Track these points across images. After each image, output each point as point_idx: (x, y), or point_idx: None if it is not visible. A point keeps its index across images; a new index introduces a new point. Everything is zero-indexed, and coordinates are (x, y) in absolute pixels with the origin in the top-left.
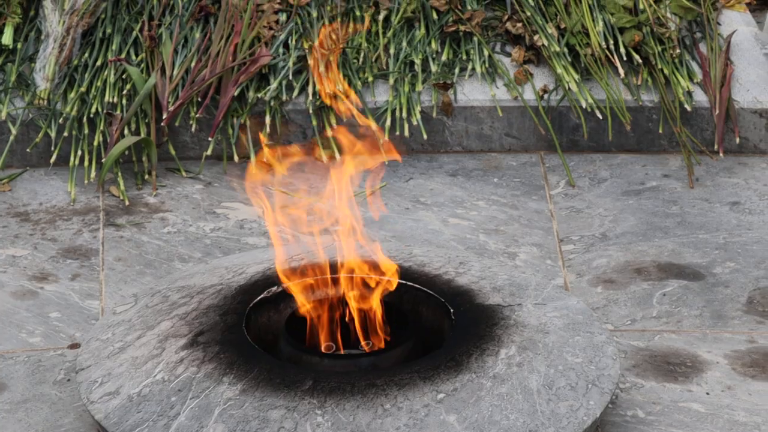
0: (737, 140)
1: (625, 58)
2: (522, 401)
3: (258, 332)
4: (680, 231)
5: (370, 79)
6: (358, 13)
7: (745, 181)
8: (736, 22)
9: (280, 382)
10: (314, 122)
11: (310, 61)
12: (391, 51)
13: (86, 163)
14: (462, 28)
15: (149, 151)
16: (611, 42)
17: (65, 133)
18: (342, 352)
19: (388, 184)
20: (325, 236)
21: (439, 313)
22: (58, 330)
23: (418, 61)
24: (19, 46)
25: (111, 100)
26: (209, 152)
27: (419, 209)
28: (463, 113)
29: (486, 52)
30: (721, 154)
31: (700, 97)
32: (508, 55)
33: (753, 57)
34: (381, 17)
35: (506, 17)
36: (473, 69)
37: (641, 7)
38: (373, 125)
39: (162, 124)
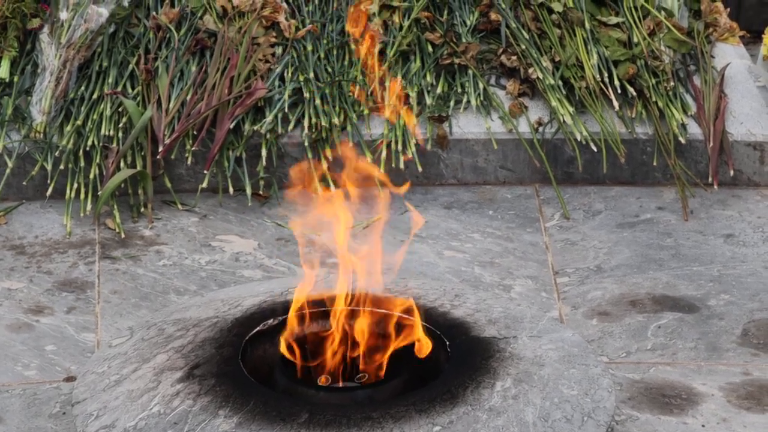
0: (731, 173)
1: (619, 91)
2: None
3: (254, 365)
4: (675, 263)
5: (366, 111)
6: (353, 46)
7: (739, 214)
8: (729, 55)
9: (276, 415)
10: (310, 155)
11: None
12: (387, 84)
13: (82, 196)
14: (457, 61)
15: (145, 184)
16: (606, 75)
17: (61, 166)
18: (339, 384)
19: (383, 217)
20: (321, 269)
21: (434, 346)
22: (54, 363)
23: (413, 94)
24: (15, 79)
25: (107, 133)
26: (205, 185)
27: (414, 242)
28: (458, 146)
29: (481, 85)
30: (715, 187)
31: (694, 129)
32: (503, 87)
33: (747, 89)
34: (377, 50)
35: (501, 50)
36: (468, 102)
37: (635, 40)
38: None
39: (158, 157)
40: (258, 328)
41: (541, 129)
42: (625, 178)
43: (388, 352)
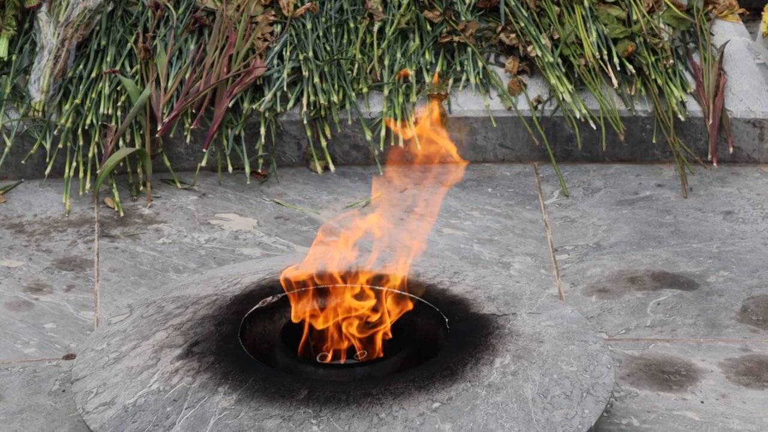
0: (730, 150)
1: (618, 69)
2: (517, 410)
3: (253, 342)
4: (674, 240)
5: (365, 90)
6: (352, 25)
7: (738, 191)
8: (729, 33)
9: (275, 392)
10: (309, 133)
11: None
12: (386, 62)
13: (81, 174)
14: (456, 39)
15: (144, 162)
16: (605, 52)
17: (60, 145)
18: (338, 361)
19: (383, 195)
20: (319, 247)
21: (433, 323)
22: (53, 341)
23: (412, 72)
24: (14, 58)
25: (106, 111)
26: (204, 163)
27: (414, 220)
28: (458, 124)
29: (480, 63)
30: (714, 164)
31: (694, 107)
32: (502, 65)
33: (746, 67)
34: (375, 28)
35: (500, 28)
36: (467, 80)
37: (635, 17)
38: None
39: (157, 135)
40: (257, 306)
41: (540, 107)
42: (625, 155)
43: (384, 329)
